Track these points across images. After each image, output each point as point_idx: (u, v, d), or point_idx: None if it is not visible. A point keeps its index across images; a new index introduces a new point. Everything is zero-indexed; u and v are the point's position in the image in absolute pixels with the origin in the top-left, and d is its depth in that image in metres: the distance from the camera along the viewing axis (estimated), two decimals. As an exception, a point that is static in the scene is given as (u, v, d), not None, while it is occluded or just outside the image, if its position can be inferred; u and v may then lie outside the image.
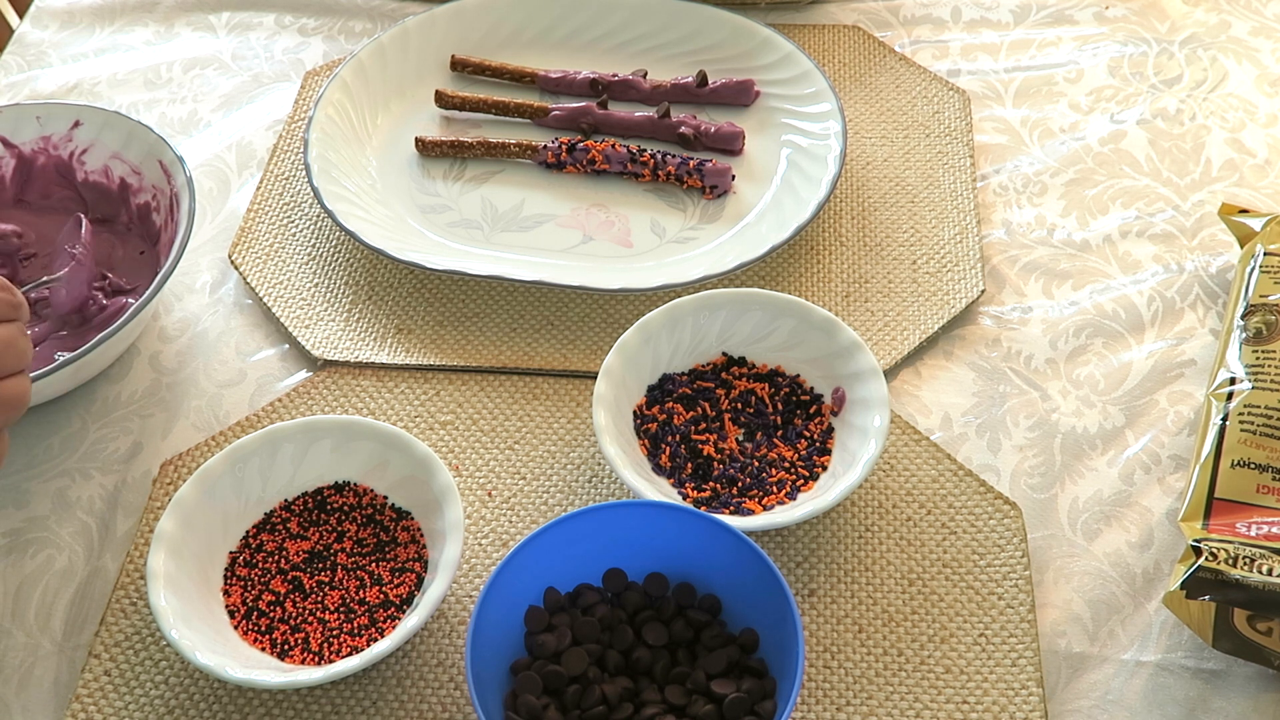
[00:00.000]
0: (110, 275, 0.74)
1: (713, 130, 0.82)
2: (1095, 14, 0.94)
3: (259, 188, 0.82)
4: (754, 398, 0.68)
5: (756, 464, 0.65)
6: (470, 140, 0.82)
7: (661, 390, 0.68)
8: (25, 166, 0.78)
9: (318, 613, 0.60)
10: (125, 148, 0.76)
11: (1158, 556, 0.63)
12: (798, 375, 0.69)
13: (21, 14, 1.00)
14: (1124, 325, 0.73)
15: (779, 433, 0.67)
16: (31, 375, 0.64)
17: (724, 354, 0.70)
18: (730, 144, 0.82)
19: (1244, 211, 0.75)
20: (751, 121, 0.84)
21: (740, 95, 0.85)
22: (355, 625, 0.59)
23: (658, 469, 0.65)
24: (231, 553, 0.62)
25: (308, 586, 0.61)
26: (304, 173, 0.82)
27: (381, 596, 0.60)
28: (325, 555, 0.62)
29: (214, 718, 0.58)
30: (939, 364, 0.72)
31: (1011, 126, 0.86)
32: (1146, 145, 0.84)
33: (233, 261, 0.78)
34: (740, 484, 0.64)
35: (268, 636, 0.59)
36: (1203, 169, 0.82)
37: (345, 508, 0.64)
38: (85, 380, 0.71)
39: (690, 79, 0.85)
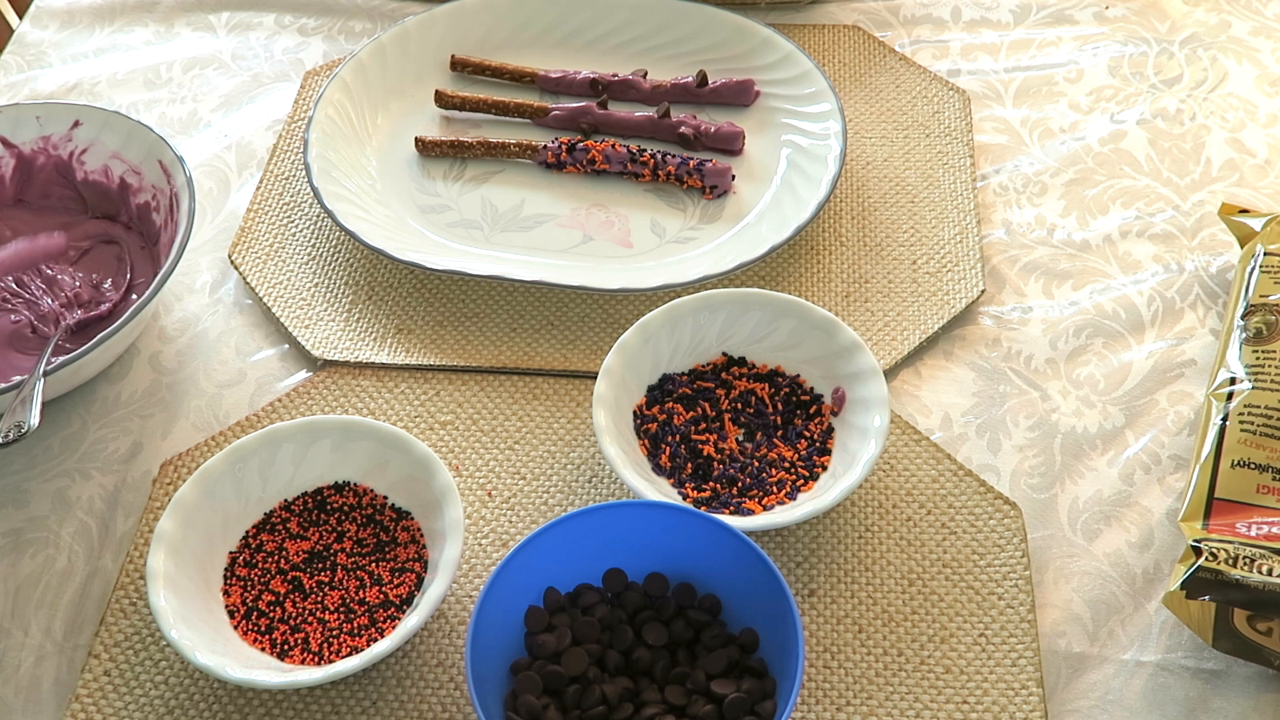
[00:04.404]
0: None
1: (713, 130, 0.82)
2: (1095, 14, 0.94)
3: (259, 188, 0.82)
4: (754, 398, 0.68)
5: (756, 464, 0.65)
6: (470, 140, 0.82)
7: (661, 390, 0.68)
8: (25, 166, 0.78)
9: (318, 613, 0.60)
10: (125, 148, 0.76)
11: (1158, 556, 0.63)
12: (798, 375, 0.68)
13: (21, 14, 1.00)
14: (1124, 325, 0.73)
15: (779, 433, 0.67)
16: (32, 374, 0.64)
17: (724, 354, 0.70)
18: (730, 144, 0.82)
19: (1244, 211, 0.75)
20: (751, 121, 0.84)
21: (740, 95, 0.85)
22: (355, 625, 0.59)
23: (658, 469, 0.65)
24: (231, 553, 0.62)
25: (308, 586, 0.61)
26: (304, 173, 0.82)
27: (381, 596, 0.60)
28: (325, 555, 0.62)
29: (214, 718, 0.58)
30: (939, 364, 0.72)
31: (1011, 126, 0.86)
32: (1146, 145, 0.84)
33: (233, 261, 0.78)
34: (740, 484, 0.64)
35: (268, 636, 0.59)
36: (1203, 169, 0.82)
37: (345, 508, 0.64)
38: (85, 380, 0.71)
39: (690, 79, 0.85)
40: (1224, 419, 0.63)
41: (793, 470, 0.65)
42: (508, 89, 0.88)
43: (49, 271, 0.75)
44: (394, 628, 0.59)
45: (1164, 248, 0.78)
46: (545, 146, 0.81)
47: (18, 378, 0.65)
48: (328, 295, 0.76)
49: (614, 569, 0.59)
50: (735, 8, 0.89)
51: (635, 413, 0.67)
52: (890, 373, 0.71)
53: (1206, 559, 0.56)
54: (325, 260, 0.78)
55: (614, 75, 0.86)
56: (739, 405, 0.68)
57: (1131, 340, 0.73)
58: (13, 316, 0.72)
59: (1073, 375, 0.71)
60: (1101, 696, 0.59)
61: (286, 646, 0.59)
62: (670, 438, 0.66)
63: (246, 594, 0.61)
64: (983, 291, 0.75)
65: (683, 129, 0.82)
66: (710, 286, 0.73)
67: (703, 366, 0.69)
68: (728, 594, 0.58)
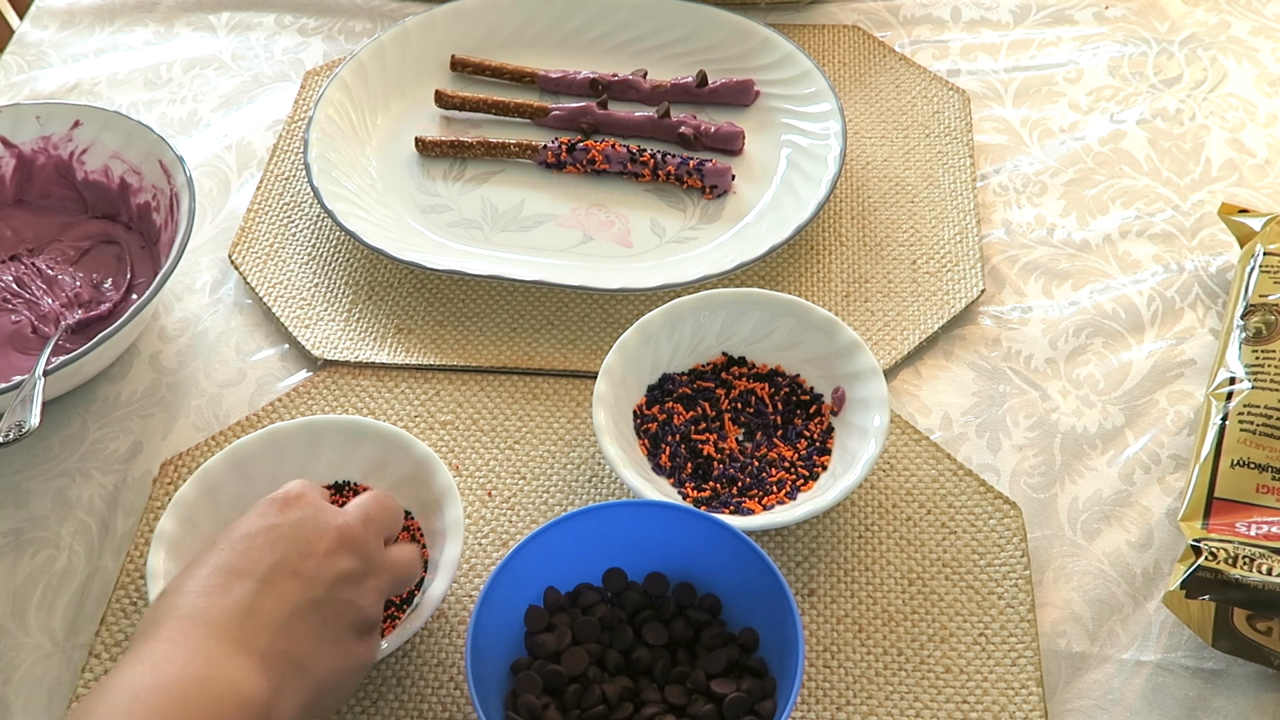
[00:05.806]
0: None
1: (713, 130, 0.82)
2: (1095, 14, 0.94)
3: (259, 188, 0.82)
4: (754, 398, 0.68)
5: (756, 464, 0.65)
6: (470, 140, 0.82)
7: (661, 390, 0.68)
8: (25, 166, 0.78)
9: (318, 613, 0.60)
10: (125, 147, 0.76)
11: (1158, 556, 0.63)
12: (798, 375, 0.68)
13: (21, 14, 1.01)
14: (1124, 325, 0.73)
15: (779, 432, 0.67)
16: (32, 374, 0.64)
17: (724, 354, 0.70)
18: (730, 144, 0.82)
19: (1244, 211, 0.75)
20: (751, 121, 0.84)
21: (740, 95, 0.85)
22: (355, 625, 0.59)
23: (658, 469, 0.65)
24: (231, 553, 0.62)
25: (308, 586, 0.61)
26: (304, 173, 0.82)
27: (381, 596, 0.60)
28: (325, 555, 0.62)
29: (214, 718, 0.58)
30: (939, 364, 0.72)
31: (1011, 126, 0.86)
32: (1146, 145, 0.84)
33: (233, 261, 0.78)
34: (740, 484, 0.64)
35: (268, 636, 0.59)
36: (1202, 169, 0.82)
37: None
38: (85, 380, 0.71)
39: (690, 79, 0.85)
40: (1224, 419, 0.63)
41: (793, 470, 0.65)
42: (508, 89, 0.88)
43: (49, 271, 0.75)
44: (394, 628, 0.59)
45: (1164, 248, 0.78)
46: (545, 146, 0.81)
47: (18, 378, 0.65)
48: (328, 295, 0.76)
49: (614, 569, 0.59)
50: (735, 8, 0.89)
51: (635, 412, 0.67)
52: (890, 372, 0.71)
53: (1206, 558, 0.56)
54: (325, 260, 0.78)
55: (614, 75, 0.86)
56: (739, 405, 0.68)
57: (1131, 340, 0.73)
58: (13, 316, 0.72)
59: (1073, 375, 0.71)
60: (1101, 696, 0.59)
61: (286, 646, 0.59)
62: (670, 437, 0.66)
63: (246, 594, 0.60)
64: (983, 291, 0.75)
65: (683, 129, 0.82)
66: (710, 286, 0.73)
67: (703, 366, 0.69)
68: (728, 594, 0.58)
